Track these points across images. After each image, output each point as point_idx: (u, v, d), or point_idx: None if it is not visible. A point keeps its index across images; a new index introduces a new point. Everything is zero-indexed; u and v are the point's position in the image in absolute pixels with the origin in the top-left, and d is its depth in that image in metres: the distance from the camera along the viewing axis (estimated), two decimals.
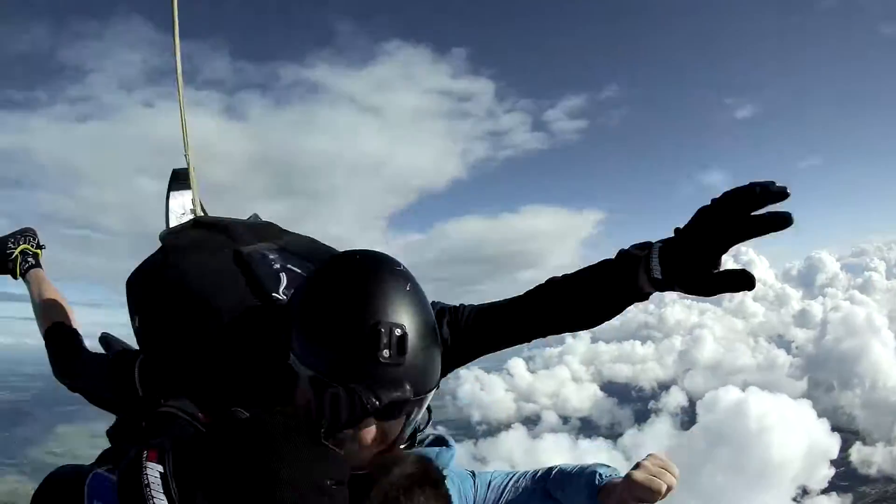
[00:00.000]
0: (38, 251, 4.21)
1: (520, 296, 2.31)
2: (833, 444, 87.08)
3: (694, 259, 1.78)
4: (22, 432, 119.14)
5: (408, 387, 1.77)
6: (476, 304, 2.35)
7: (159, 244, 2.87)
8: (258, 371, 2.00)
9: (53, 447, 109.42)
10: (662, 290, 1.93)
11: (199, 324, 2.23)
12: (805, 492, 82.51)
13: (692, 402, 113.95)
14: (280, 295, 2.24)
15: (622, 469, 2.23)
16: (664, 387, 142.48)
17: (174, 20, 3.76)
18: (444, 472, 2.04)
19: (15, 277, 4.13)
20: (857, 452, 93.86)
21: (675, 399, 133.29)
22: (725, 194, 1.71)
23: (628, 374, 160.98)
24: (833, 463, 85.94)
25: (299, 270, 2.37)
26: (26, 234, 4.21)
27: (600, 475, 2.28)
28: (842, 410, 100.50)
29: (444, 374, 2.11)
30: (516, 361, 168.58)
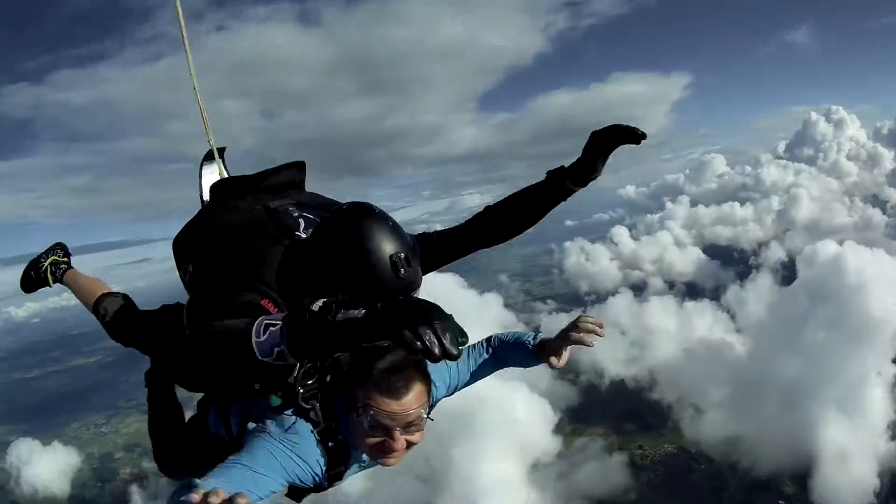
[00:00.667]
0: (67, 259, 4.83)
1: (469, 220, 3.44)
2: None
3: (586, 168, 3.15)
4: (140, 371, 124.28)
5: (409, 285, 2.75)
6: (439, 229, 3.47)
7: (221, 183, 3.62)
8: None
9: None
10: (578, 182, 3.21)
11: (247, 262, 2.85)
12: None
13: (791, 260, 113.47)
14: (301, 234, 3.01)
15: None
16: (764, 246, 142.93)
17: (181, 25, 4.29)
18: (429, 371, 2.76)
19: (50, 285, 4.76)
20: None
21: (774, 256, 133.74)
22: (605, 130, 3.05)
23: (729, 235, 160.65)
24: None
25: (312, 217, 3.11)
26: (55, 248, 4.86)
27: (528, 340, 3.30)
28: None
29: (424, 273, 3.04)
30: (620, 229, 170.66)
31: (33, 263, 4.84)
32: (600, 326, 3.12)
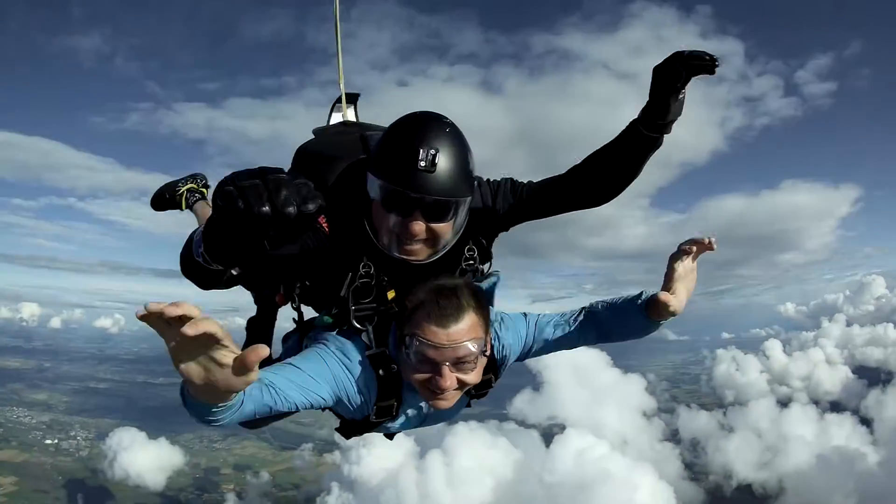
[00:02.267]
0: (204, 189, 5.00)
1: (562, 174, 3.11)
2: None
3: (656, 110, 2.76)
4: None
5: (439, 188, 2.57)
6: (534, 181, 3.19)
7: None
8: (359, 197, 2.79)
9: (301, 416, 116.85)
10: (652, 126, 2.80)
11: (328, 172, 3.02)
12: None
13: None
14: None
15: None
16: None
17: None
18: (492, 308, 2.84)
19: (181, 209, 4.93)
20: None
21: None
22: (667, 60, 2.67)
23: (879, 357, 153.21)
24: None
25: None
26: (195, 176, 5.04)
27: (640, 296, 2.91)
28: None
29: (509, 225, 3.20)
30: (773, 343, 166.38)
31: (170, 185, 4.97)
32: (707, 239, 2.70)
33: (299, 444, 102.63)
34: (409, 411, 2.97)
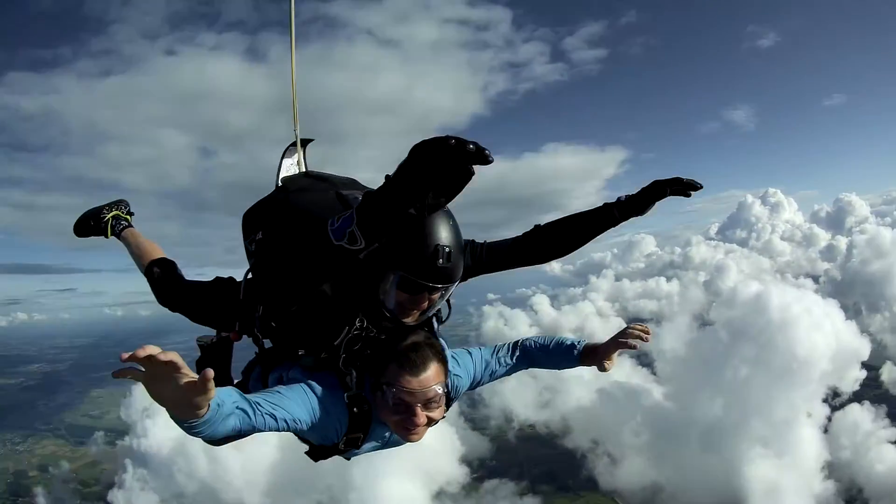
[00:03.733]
0: (129, 217, 5.08)
1: (518, 237, 3.84)
2: (864, 346, 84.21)
3: (637, 205, 3.64)
4: (59, 399, 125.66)
5: (450, 277, 3.10)
6: (489, 241, 3.85)
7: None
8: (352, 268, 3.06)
9: (88, 410, 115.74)
10: (625, 216, 3.69)
11: (320, 236, 2.92)
12: (836, 394, 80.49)
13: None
14: None
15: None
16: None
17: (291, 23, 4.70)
18: (447, 352, 3.36)
19: (107, 237, 4.96)
20: (888, 373, 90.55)
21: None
22: (668, 180, 3.58)
23: (654, 308, 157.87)
24: (864, 366, 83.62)
25: None
26: (119, 203, 5.12)
27: (574, 344, 3.82)
28: (871, 336, 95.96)
29: (463, 280, 3.52)
30: (541, 298, 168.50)
31: (94, 212, 5.08)
32: (647, 332, 3.61)
33: (91, 434, 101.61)
34: (373, 442, 3.45)
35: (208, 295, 4.07)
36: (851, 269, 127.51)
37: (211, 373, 2.15)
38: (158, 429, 72.64)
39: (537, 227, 3.82)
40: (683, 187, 3.57)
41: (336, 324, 3.26)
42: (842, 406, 77.67)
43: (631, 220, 3.71)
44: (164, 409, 2.27)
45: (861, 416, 75.13)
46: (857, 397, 79.98)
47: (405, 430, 3.10)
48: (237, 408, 2.67)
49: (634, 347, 3.55)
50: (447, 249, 3.02)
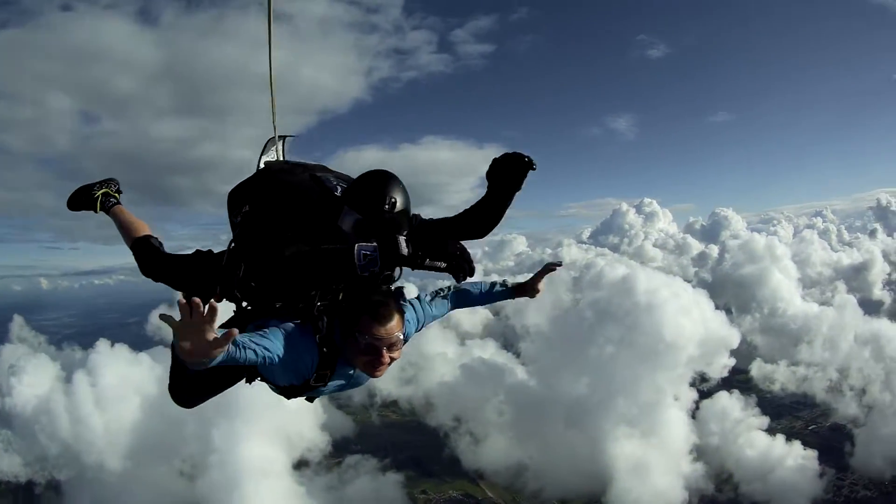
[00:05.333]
0: (118, 195, 5.50)
1: (453, 217, 4.22)
2: (733, 335, 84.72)
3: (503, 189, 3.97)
4: None
5: (400, 227, 3.80)
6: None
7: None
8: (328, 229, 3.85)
9: None
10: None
11: (307, 207, 3.94)
12: (704, 379, 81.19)
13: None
14: (337, 195, 4.04)
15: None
16: None
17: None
18: (404, 302, 4.04)
19: (96, 211, 5.38)
20: (757, 369, 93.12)
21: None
22: (505, 156, 3.84)
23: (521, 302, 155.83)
24: (733, 354, 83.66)
25: (344, 185, 4.15)
26: (109, 181, 5.56)
27: (506, 283, 4.70)
28: (742, 337, 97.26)
29: (410, 264, 4.06)
30: (410, 288, 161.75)
31: (86, 188, 5.47)
32: (559, 264, 4.63)
33: None
34: (338, 380, 3.91)
35: (191, 265, 4.44)
36: (722, 272, 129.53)
37: (236, 332, 2.77)
38: (23, 386, 73.08)
39: (466, 211, 4.24)
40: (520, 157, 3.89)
41: (313, 275, 3.73)
42: (710, 393, 78.36)
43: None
44: (182, 351, 2.78)
45: (730, 403, 75.97)
46: (726, 385, 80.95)
47: (372, 368, 3.63)
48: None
49: (558, 266, 4.60)
50: (393, 200, 3.78)
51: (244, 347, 3.22)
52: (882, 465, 65.95)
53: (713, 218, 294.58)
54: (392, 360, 3.67)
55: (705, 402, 75.77)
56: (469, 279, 4.32)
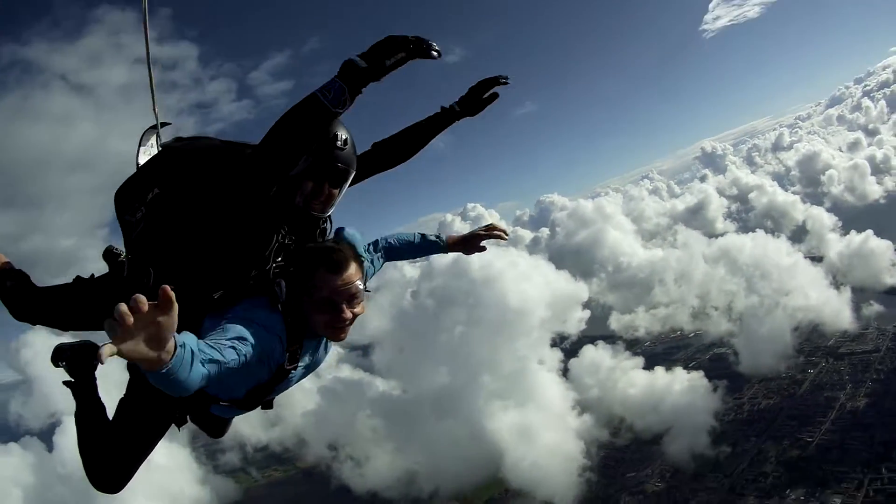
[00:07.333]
0: None
1: (370, 150, 4.08)
2: (581, 289, 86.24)
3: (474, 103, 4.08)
4: None
5: (350, 163, 3.48)
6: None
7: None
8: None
9: None
10: (462, 115, 4.14)
11: (225, 166, 3.43)
12: (563, 337, 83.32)
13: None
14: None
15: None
16: None
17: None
18: (360, 250, 3.43)
19: None
20: (616, 321, 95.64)
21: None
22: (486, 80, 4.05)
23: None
24: (586, 305, 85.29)
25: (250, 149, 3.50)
26: None
27: (438, 235, 4.42)
28: (592, 300, 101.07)
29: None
30: None
31: None
32: (505, 232, 4.40)
33: None
34: (306, 358, 3.46)
35: (79, 293, 3.85)
36: (557, 246, 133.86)
37: (169, 289, 2.05)
38: None
39: (376, 143, 4.13)
40: (497, 78, 4.06)
41: (262, 237, 3.43)
42: (575, 350, 79.56)
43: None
44: (139, 364, 2.13)
45: (598, 355, 77.72)
46: (590, 341, 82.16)
47: (333, 329, 3.24)
48: (200, 350, 2.50)
49: (503, 237, 4.39)
50: (345, 138, 3.44)
51: (220, 349, 2.68)
52: (772, 361, 68.99)
53: (539, 206, 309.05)
54: (354, 315, 3.28)
55: (573, 361, 76.90)
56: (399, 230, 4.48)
